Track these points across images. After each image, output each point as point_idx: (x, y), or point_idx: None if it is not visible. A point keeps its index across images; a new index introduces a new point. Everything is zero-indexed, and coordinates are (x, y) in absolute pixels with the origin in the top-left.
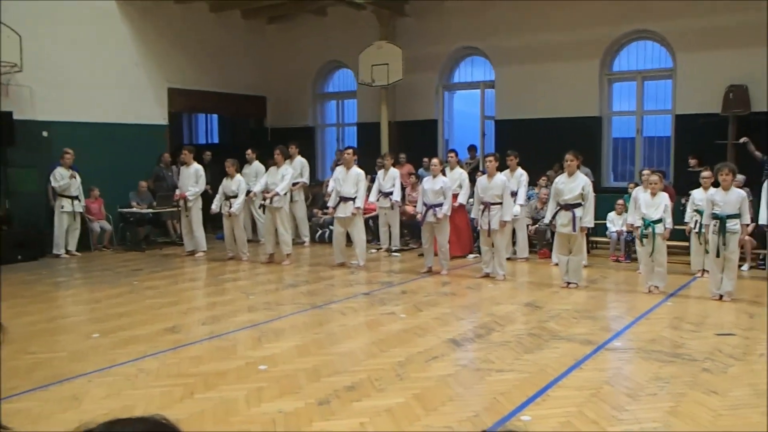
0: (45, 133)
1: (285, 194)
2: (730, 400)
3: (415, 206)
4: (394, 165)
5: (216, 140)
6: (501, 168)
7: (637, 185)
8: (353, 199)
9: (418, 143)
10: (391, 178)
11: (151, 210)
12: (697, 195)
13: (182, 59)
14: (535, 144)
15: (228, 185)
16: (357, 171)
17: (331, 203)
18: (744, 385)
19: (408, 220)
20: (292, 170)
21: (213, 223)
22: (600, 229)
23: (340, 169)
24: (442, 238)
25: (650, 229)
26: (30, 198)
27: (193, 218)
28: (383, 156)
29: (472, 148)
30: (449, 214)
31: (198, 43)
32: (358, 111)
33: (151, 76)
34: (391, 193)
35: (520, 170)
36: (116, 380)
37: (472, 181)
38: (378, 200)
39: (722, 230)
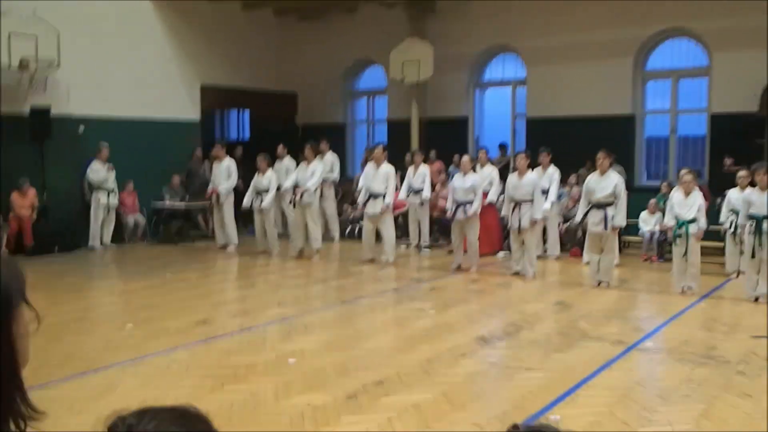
0: (81, 128)
1: (315, 190)
2: (764, 405)
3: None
4: (424, 162)
5: (247, 136)
6: (533, 166)
7: (670, 185)
8: (383, 196)
9: (448, 141)
10: (421, 174)
11: (183, 204)
12: (733, 195)
13: (215, 57)
14: (566, 142)
15: (259, 181)
16: (387, 168)
17: (361, 200)
18: None
19: (438, 217)
20: (323, 166)
21: (245, 217)
22: (632, 228)
23: (370, 166)
24: (471, 236)
25: (683, 229)
26: (66, 191)
27: (226, 213)
28: (413, 153)
29: (502, 147)
30: (479, 211)
31: (230, 40)
32: (389, 108)
33: (185, 73)
34: (421, 190)
35: (552, 168)
36: (148, 371)
37: (503, 179)
38: (408, 197)
39: (758, 231)
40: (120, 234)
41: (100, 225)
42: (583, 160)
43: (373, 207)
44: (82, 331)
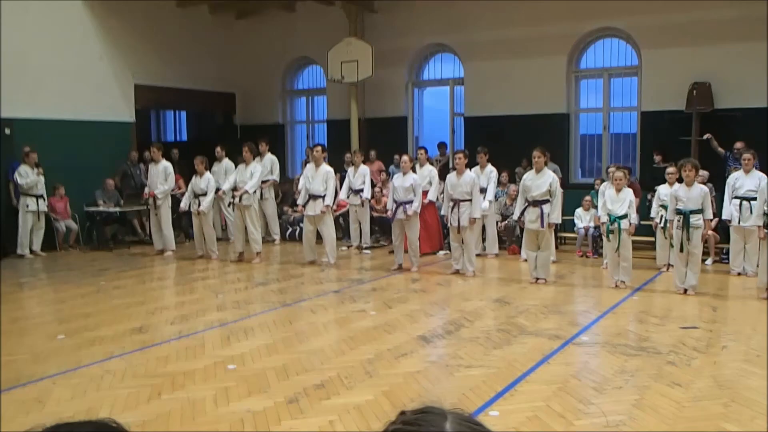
0: (7, 131)
1: (254, 192)
2: (693, 392)
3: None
4: (364, 162)
5: (184, 137)
6: (471, 165)
7: (603, 181)
8: (323, 197)
9: (388, 140)
10: (361, 175)
11: (118, 208)
12: (663, 190)
13: (149, 55)
14: (504, 141)
15: (197, 183)
16: (326, 168)
17: (300, 201)
18: (707, 377)
19: (378, 217)
20: (262, 167)
21: (183, 221)
22: (568, 224)
23: (309, 167)
24: (412, 235)
25: (616, 225)
26: None
27: (162, 217)
28: (353, 153)
29: (442, 145)
30: (419, 210)
31: (165, 38)
32: (328, 108)
33: (117, 71)
34: (361, 191)
35: (490, 167)
36: (81, 382)
37: (443, 178)
38: (348, 197)
39: (686, 225)
40: (51, 241)
41: (29, 232)
42: (519, 158)
43: (313, 208)
44: (11, 343)
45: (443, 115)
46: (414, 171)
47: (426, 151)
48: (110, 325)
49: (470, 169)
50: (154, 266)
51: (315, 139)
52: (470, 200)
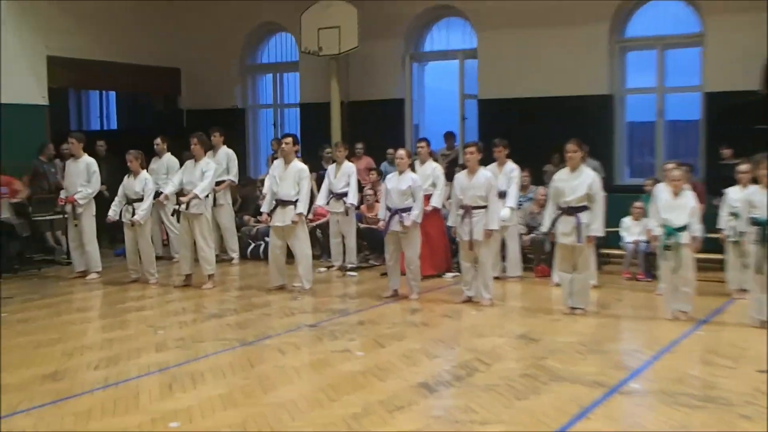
0: None
1: (206, 197)
2: None
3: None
4: (348, 158)
5: (114, 126)
6: (486, 161)
7: (657, 182)
8: (294, 203)
9: (380, 130)
10: (344, 174)
11: (25, 218)
12: (733, 194)
13: (67, 20)
14: (529, 130)
15: (130, 185)
16: (299, 166)
17: (265, 208)
18: None
19: (367, 229)
20: (215, 165)
21: (111, 234)
22: (612, 238)
23: (277, 164)
24: (411, 252)
25: (674, 239)
26: None
27: (85, 229)
28: (335, 146)
29: (449, 136)
30: (420, 221)
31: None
32: (302, 88)
33: (24, 40)
34: (345, 195)
35: (510, 164)
36: None
37: (450, 178)
38: (328, 203)
39: (764, 239)
40: None
41: None
42: (549, 153)
43: (282, 217)
44: None
45: (450, 98)
46: (413, 169)
47: (428, 144)
48: (15, 370)
49: (485, 167)
50: (73, 293)
51: (284, 128)
52: (485, 207)
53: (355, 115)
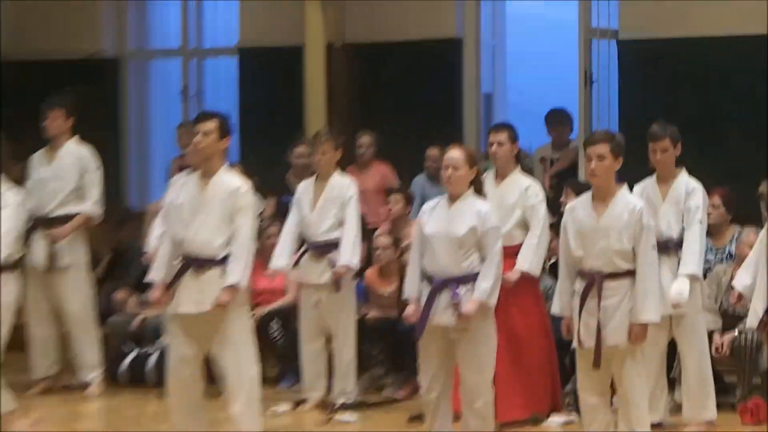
0: None
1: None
2: None
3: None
4: (343, 167)
5: None
6: (631, 174)
7: None
8: (221, 262)
9: (409, 106)
10: (333, 202)
11: None
12: None
13: None
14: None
15: None
16: (233, 184)
17: (156, 275)
18: None
19: (381, 321)
20: (24, 194)
21: None
22: None
23: (188, 181)
24: (475, 373)
25: None
26: None
27: None
28: (314, 141)
29: (560, 117)
30: (494, 303)
31: None
32: (242, 20)
33: None
34: (334, 246)
35: (687, 182)
36: None
37: (558, 208)
38: (296, 265)
39: None
40: None
41: None
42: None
43: (199, 295)
44: None
45: (559, 38)
46: (479, 191)
47: (514, 136)
48: None
49: (626, 188)
50: None
51: (204, 102)
52: (628, 274)
53: (357, 73)
